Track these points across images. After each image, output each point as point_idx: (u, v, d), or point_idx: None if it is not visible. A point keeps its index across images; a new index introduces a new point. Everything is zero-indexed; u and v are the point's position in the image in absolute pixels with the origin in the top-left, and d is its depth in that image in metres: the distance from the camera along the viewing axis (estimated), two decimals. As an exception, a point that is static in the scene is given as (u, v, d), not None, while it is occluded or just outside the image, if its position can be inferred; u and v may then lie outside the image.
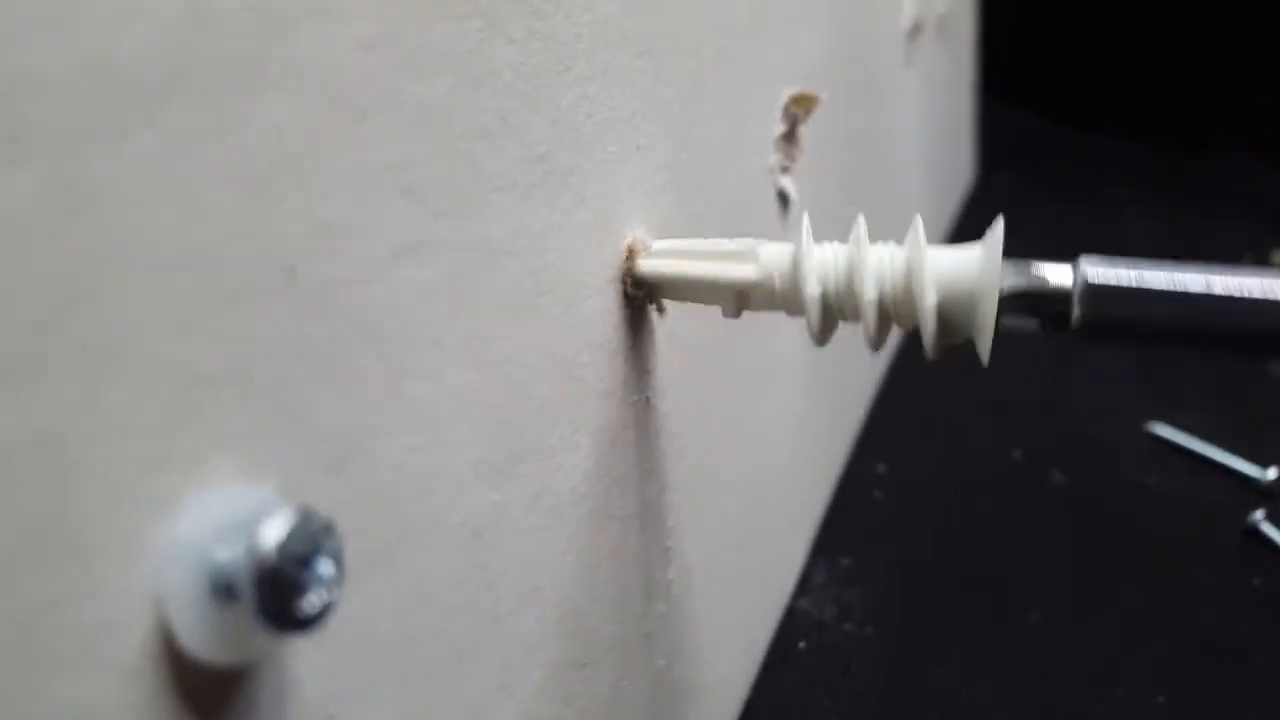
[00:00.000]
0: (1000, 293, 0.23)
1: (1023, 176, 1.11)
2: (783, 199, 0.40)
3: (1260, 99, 1.17)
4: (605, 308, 0.27)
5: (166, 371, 0.15)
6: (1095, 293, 0.23)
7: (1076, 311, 0.23)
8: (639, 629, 0.30)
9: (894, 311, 0.25)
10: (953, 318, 0.24)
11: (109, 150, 0.14)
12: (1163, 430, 0.64)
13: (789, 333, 0.38)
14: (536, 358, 0.24)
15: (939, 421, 0.66)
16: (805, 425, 0.49)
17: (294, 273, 0.17)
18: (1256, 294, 0.22)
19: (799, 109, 0.40)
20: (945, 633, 0.48)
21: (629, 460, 0.29)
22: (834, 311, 0.25)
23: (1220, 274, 0.22)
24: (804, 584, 0.50)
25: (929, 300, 0.24)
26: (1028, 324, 0.24)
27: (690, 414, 0.33)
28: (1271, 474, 0.58)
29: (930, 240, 0.25)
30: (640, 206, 0.29)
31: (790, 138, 0.40)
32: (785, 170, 0.40)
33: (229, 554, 0.15)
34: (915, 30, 0.70)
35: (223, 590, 0.15)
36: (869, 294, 0.25)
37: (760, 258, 0.26)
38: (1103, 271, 0.23)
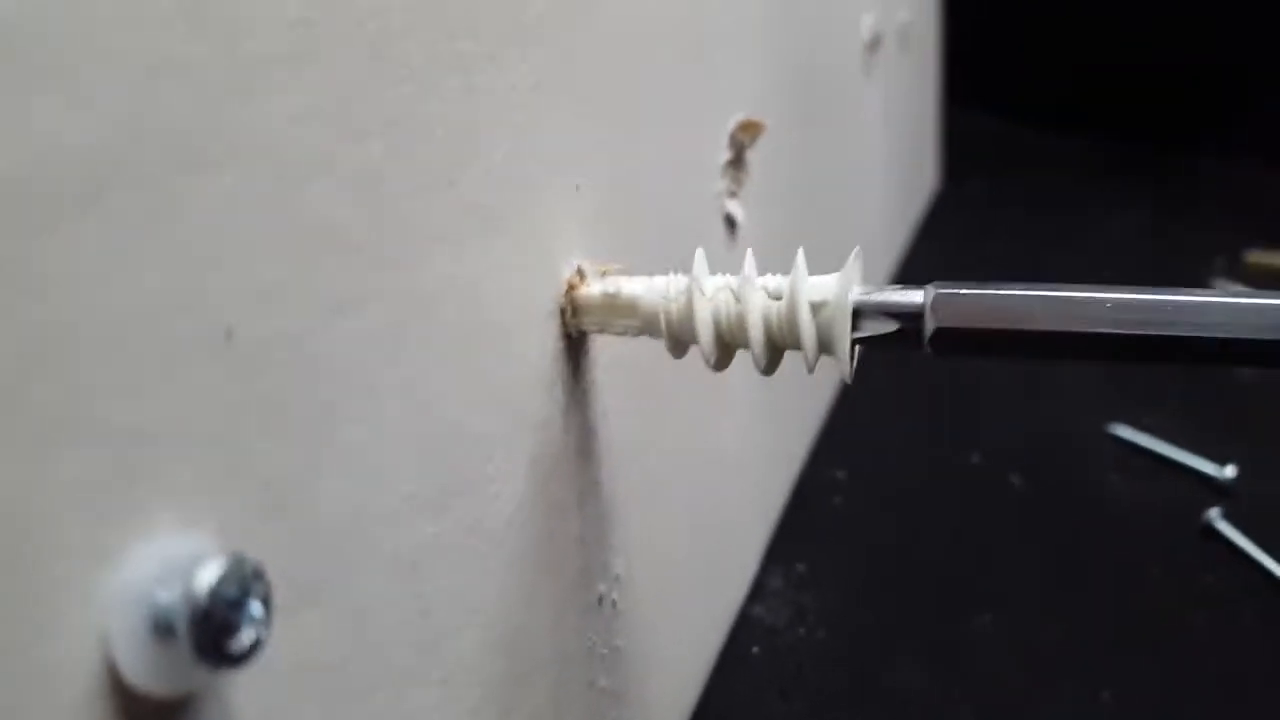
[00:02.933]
0: (854, 307, 0.25)
1: (993, 182, 1.13)
2: (730, 223, 0.42)
3: (1229, 99, 1.19)
4: (543, 341, 0.28)
5: (113, 433, 0.16)
6: (946, 304, 0.25)
7: (929, 326, 0.25)
8: (580, 643, 0.31)
9: (779, 338, 0.27)
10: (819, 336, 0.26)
11: (55, 236, 0.15)
12: (1124, 431, 0.65)
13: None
14: (473, 394, 0.25)
15: (899, 426, 0.67)
16: (760, 436, 0.50)
17: (231, 334, 0.18)
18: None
19: (745, 135, 0.41)
20: (898, 635, 0.49)
21: (569, 485, 0.30)
22: (726, 338, 0.27)
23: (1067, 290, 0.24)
24: (758, 590, 0.51)
25: (805, 318, 0.26)
26: (885, 329, 0.25)
27: (635, 436, 0.34)
28: (1229, 472, 0.59)
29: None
30: (580, 242, 0.30)
31: (737, 163, 0.42)
32: (732, 195, 0.42)
33: (168, 596, 0.16)
34: (874, 42, 0.71)
35: (163, 629, 0.16)
36: (754, 318, 0.27)
37: (665, 289, 0.28)
38: (952, 289, 0.25)
